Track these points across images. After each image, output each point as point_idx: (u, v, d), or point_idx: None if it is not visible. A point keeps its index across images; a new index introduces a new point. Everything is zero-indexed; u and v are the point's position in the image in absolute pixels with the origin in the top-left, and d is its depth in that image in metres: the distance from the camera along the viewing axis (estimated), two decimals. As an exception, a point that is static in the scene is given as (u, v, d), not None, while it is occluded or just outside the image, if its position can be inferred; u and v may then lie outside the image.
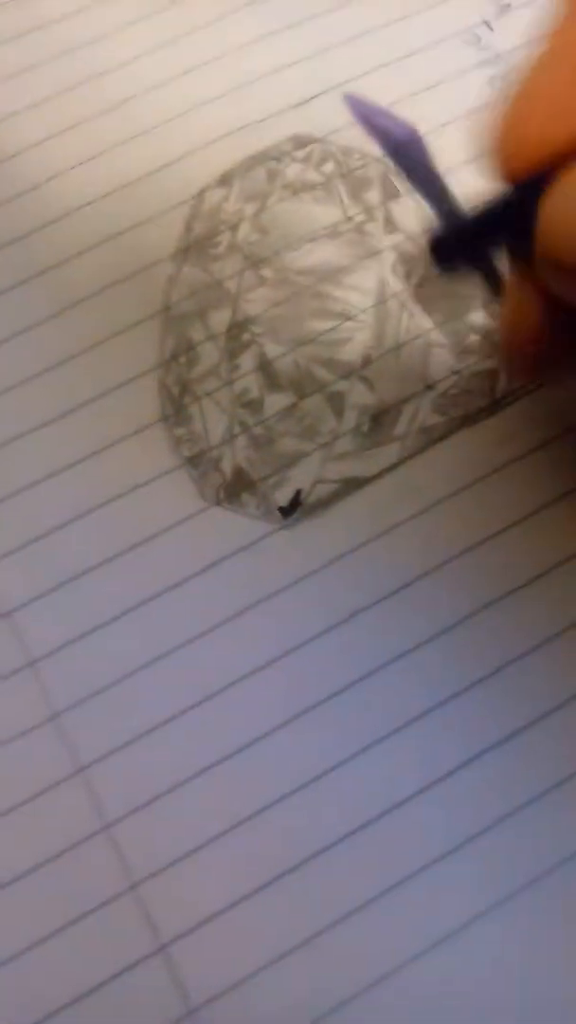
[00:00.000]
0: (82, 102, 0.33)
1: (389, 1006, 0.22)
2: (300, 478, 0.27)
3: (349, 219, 0.31)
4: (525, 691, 0.25)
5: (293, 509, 0.27)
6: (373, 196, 0.31)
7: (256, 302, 0.30)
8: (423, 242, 0.26)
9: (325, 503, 0.27)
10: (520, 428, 0.28)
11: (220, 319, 0.29)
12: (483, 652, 0.25)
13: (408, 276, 0.30)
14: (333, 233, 0.31)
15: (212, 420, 0.28)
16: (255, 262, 0.30)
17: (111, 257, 0.30)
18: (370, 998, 0.23)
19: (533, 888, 0.23)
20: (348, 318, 0.29)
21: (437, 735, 0.25)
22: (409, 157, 0.31)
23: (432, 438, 0.28)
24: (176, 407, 0.28)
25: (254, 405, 0.28)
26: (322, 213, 0.31)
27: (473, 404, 0.28)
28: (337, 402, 0.28)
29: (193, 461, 0.28)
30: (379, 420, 0.28)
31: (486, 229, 0.21)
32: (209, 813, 0.24)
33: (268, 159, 0.32)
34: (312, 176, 0.31)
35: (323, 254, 0.30)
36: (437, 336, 0.29)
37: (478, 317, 0.29)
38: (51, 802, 0.24)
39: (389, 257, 0.30)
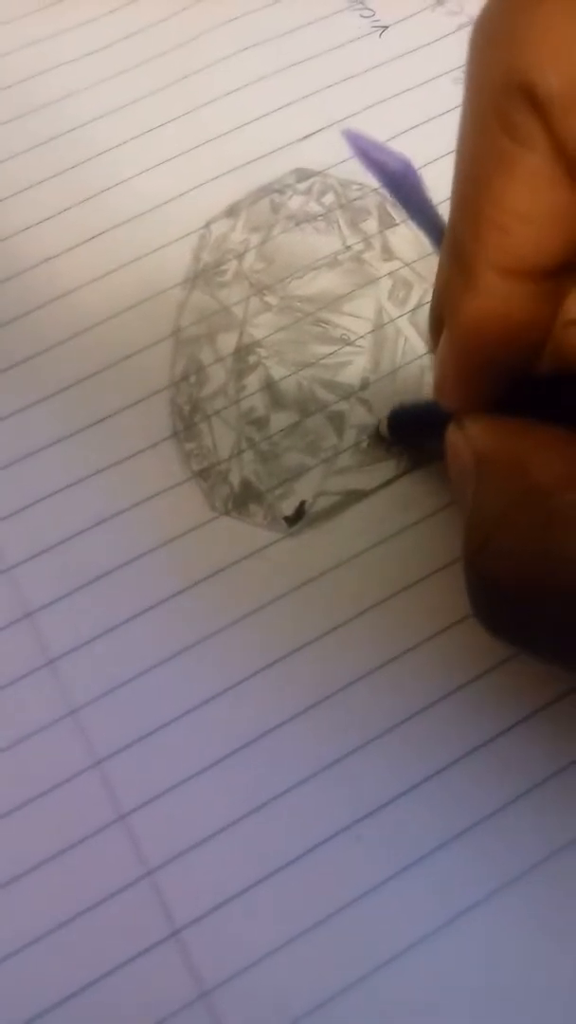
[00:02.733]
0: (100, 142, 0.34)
1: (395, 987, 0.23)
2: (304, 490, 0.28)
3: (348, 248, 0.31)
4: (522, 685, 0.25)
5: (297, 519, 0.28)
6: (371, 225, 0.32)
7: (261, 327, 0.30)
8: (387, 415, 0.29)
9: (327, 513, 0.28)
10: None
11: (228, 342, 0.30)
12: (482, 648, 0.26)
13: (404, 303, 0.31)
14: (333, 262, 0.31)
15: (221, 436, 0.29)
16: (260, 289, 0.31)
17: (125, 284, 0.31)
18: (378, 979, 0.23)
19: (527, 878, 0.24)
20: (347, 343, 0.30)
21: (439, 726, 0.25)
22: (404, 188, 0.33)
23: (426, 456, 0.28)
24: (187, 424, 0.29)
25: (260, 422, 0.29)
26: (323, 243, 0.32)
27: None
28: (338, 421, 0.29)
29: (203, 474, 0.28)
30: (377, 438, 0.29)
31: (428, 418, 0.27)
32: (220, 803, 0.24)
33: (272, 191, 0.33)
34: (313, 207, 0.32)
35: (324, 282, 0.31)
36: (431, 360, 0.29)
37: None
38: (69, 793, 0.24)
39: (386, 284, 0.31)
